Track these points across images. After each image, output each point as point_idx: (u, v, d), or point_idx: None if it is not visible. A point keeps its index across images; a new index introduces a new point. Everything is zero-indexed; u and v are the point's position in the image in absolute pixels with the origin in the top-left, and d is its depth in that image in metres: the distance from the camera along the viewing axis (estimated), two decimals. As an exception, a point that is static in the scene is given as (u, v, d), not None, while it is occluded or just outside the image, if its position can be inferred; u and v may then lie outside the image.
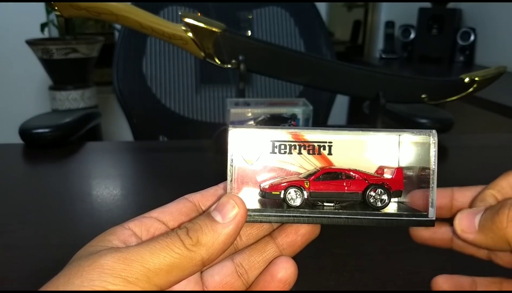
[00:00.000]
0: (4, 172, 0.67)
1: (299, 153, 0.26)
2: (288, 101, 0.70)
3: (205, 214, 0.24)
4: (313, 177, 0.26)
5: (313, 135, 0.26)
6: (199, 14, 1.03)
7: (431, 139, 0.25)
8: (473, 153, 0.77)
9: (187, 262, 0.21)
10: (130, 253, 0.21)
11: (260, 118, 0.65)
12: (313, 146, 0.26)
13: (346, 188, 0.26)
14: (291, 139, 0.26)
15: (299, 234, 0.26)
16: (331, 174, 0.26)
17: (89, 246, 0.23)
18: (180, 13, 1.01)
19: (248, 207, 0.24)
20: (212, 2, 1.08)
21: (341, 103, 2.22)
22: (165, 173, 0.66)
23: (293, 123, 0.65)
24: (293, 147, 0.26)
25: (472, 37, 1.98)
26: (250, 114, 0.65)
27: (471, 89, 0.74)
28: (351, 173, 0.26)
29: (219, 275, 0.26)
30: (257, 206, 0.25)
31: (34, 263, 0.41)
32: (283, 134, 0.26)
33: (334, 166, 0.26)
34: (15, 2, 1.98)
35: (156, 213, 0.25)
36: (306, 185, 0.25)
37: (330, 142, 0.26)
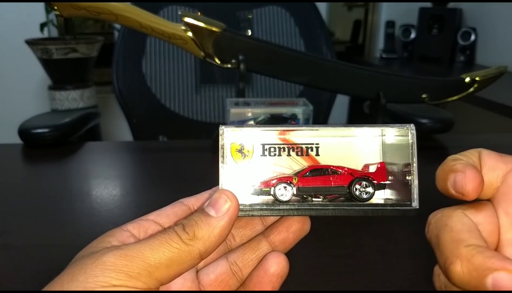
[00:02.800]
0: (3, 172, 0.66)
1: (288, 154, 0.27)
2: (288, 101, 0.70)
3: (199, 210, 0.25)
4: (301, 173, 0.27)
5: (301, 138, 0.28)
6: (199, 13, 1.03)
7: (409, 133, 0.26)
8: (474, 153, 0.77)
9: (185, 256, 0.22)
10: (131, 249, 0.22)
11: (260, 118, 0.65)
12: (301, 148, 0.27)
13: (332, 182, 0.27)
14: (280, 142, 0.27)
15: (291, 231, 0.27)
16: (318, 170, 0.27)
17: (89, 247, 0.23)
18: (180, 13, 1.01)
19: (240, 202, 0.25)
20: (212, 2, 1.07)
21: (341, 103, 2.22)
22: (165, 173, 0.66)
23: (293, 123, 0.65)
24: (282, 149, 0.27)
25: (472, 37, 1.98)
26: (250, 114, 0.65)
27: (471, 89, 0.73)
28: (337, 169, 0.27)
29: (214, 273, 0.27)
30: (248, 202, 0.27)
31: (34, 263, 0.41)
32: (273, 137, 0.27)
33: None
34: (14, 2, 1.98)
35: (153, 216, 0.26)
36: (294, 181, 0.27)
37: (317, 144, 0.28)
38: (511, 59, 1.64)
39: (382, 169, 0.28)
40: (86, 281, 0.20)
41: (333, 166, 0.27)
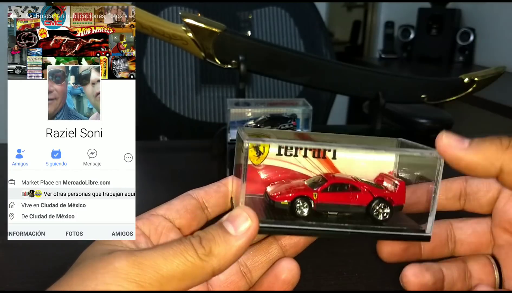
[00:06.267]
0: (4, 171, 0.66)
1: (305, 155, 0.27)
2: (288, 101, 0.70)
3: (217, 223, 0.24)
4: (320, 188, 0.26)
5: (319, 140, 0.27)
6: (199, 14, 1.03)
7: (438, 162, 0.25)
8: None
9: (198, 271, 0.21)
10: (144, 257, 0.21)
11: (260, 118, 0.65)
12: (318, 150, 0.27)
13: (351, 201, 0.26)
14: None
15: None
16: (337, 185, 0.26)
17: (98, 243, 0.23)
18: (180, 14, 1.01)
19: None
20: (212, 2, 1.08)
21: (341, 103, 2.22)
22: (165, 173, 0.66)
23: (293, 123, 0.66)
24: (299, 149, 0.27)
25: (471, 37, 1.99)
26: (250, 114, 0.65)
27: (470, 89, 0.74)
28: (357, 185, 0.27)
29: (223, 274, 0.26)
30: (265, 217, 0.26)
31: (34, 263, 0.41)
32: (291, 140, 0.27)
33: (337, 170, 0.27)
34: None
35: (163, 210, 0.26)
36: (314, 197, 0.26)
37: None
38: (510, 59, 1.65)
39: (402, 189, 0.27)
40: (97, 288, 0.20)
41: (353, 181, 0.27)
